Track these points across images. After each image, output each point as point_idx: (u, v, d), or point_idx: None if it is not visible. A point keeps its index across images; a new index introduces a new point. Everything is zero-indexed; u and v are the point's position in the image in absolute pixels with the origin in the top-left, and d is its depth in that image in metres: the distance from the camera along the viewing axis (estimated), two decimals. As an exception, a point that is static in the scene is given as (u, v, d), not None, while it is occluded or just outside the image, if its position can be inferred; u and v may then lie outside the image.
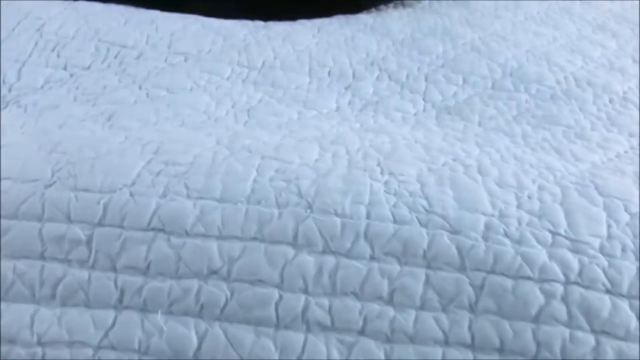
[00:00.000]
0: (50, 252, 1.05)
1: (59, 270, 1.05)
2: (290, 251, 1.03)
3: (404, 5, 1.88)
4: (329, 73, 1.53)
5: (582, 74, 1.56)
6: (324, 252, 1.03)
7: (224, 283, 1.02)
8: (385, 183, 1.09)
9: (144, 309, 1.03)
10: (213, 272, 1.03)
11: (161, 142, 1.17)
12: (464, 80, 1.52)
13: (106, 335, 1.03)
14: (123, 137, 1.19)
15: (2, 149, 1.15)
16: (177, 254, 1.03)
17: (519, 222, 1.04)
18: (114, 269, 1.04)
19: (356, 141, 1.22)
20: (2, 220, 1.06)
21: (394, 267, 1.02)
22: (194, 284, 1.03)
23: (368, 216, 1.04)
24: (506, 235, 1.03)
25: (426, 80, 1.52)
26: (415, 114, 1.41)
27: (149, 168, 1.10)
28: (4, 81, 1.44)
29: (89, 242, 1.05)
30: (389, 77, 1.53)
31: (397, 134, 1.27)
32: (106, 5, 1.72)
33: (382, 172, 1.11)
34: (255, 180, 1.08)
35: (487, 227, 1.03)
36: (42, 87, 1.44)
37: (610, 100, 1.46)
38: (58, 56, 1.52)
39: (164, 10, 1.74)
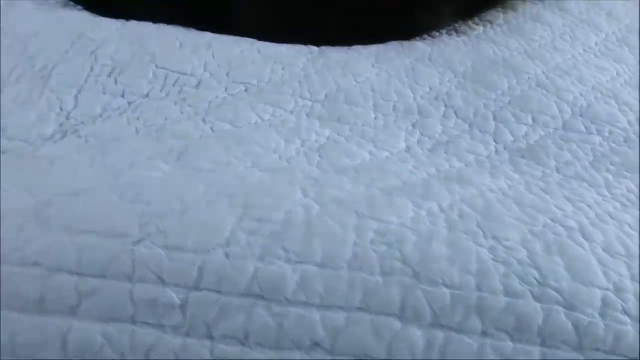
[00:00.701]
0: (141, 316, 1.00)
1: (151, 336, 0.99)
2: (397, 324, 0.98)
3: (457, 33, 1.83)
4: (394, 108, 1.48)
5: (652, 114, 1.52)
6: (432, 325, 0.98)
7: (328, 356, 0.98)
8: (491, 249, 1.04)
9: (242, 381, 0.98)
10: (316, 344, 0.98)
11: (246, 194, 1.12)
12: (534, 120, 1.47)
13: (202, 407, 0.98)
14: (204, 186, 1.14)
15: (77, 197, 1.09)
16: (279, 323, 0.98)
17: (636, 297, 1.00)
18: (210, 337, 0.99)
19: (446, 196, 1.17)
20: (90, 280, 1.01)
21: (507, 344, 0.98)
22: (296, 356, 0.98)
23: (478, 288, 1.00)
24: (625, 312, 0.99)
25: (494, 119, 1.47)
26: (488, 157, 1.37)
27: (242, 226, 1.05)
28: (61, 108, 1.39)
29: (183, 306, 0.99)
30: (456, 114, 1.48)
31: (482, 185, 1.23)
32: (159, 27, 1.65)
33: (485, 236, 1.06)
34: (355, 244, 1.03)
35: (604, 302, 0.99)
36: (100, 115, 1.39)
37: (687, 144, 1.42)
38: (115, 82, 1.46)
39: (211, 27, 1.68)
